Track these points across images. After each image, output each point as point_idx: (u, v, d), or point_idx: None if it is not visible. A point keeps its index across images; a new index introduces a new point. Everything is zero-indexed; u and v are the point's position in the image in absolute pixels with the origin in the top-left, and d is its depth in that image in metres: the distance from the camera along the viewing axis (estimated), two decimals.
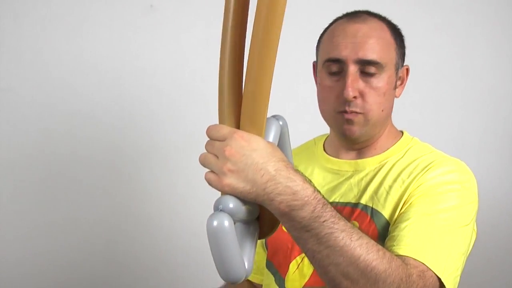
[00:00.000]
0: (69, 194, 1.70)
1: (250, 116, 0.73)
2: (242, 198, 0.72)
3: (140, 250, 1.74)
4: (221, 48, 0.76)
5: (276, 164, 0.71)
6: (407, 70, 1.06)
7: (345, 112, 0.99)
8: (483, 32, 1.83)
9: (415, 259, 0.83)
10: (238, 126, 0.75)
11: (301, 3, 1.79)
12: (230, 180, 0.70)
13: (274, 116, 0.82)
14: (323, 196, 0.75)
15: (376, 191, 0.97)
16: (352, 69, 0.98)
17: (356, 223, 0.96)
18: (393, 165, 1.00)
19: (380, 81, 0.99)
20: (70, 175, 1.70)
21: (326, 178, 1.06)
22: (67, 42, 1.68)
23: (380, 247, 0.77)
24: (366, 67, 0.98)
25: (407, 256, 0.83)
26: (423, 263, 0.83)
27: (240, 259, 0.71)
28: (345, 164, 1.05)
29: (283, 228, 1.03)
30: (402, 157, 1.01)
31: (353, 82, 0.97)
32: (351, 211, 0.98)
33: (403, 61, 1.05)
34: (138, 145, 1.73)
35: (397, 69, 1.02)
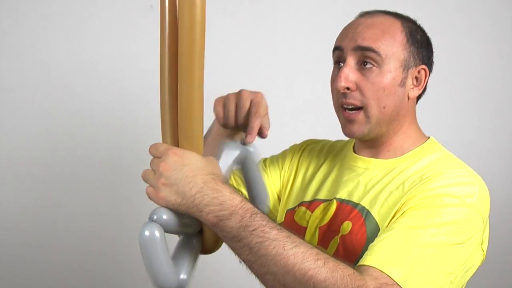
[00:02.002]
0: (69, 193, 1.70)
1: (185, 135, 0.78)
2: (176, 211, 0.77)
3: (140, 249, 1.74)
4: (160, 72, 0.80)
5: (204, 177, 0.76)
6: (425, 71, 0.99)
7: (343, 104, 0.96)
8: (483, 32, 1.83)
9: (381, 271, 0.79)
10: (177, 144, 0.80)
11: (301, 4, 1.79)
12: (164, 193, 0.77)
13: (244, 144, 0.88)
14: (254, 206, 0.77)
15: (377, 195, 0.95)
16: (350, 59, 0.95)
17: (350, 224, 0.94)
18: (402, 171, 0.96)
19: (379, 75, 0.94)
20: (70, 175, 1.70)
21: (341, 173, 1.04)
22: (67, 42, 1.68)
23: (321, 256, 0.76)
24: (365, 57, 0.94)
25: (372, 267, 0.79)
26: (389, 276, 0.78)
27: (169, 268, 0.75)
28: (359, 160, 1.02)
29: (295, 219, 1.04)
30: (413, 164, 0.96)
31: (347, 72, 0.94)
32: (350, 210, 0.97)
33: (423, 62, 0.99)
34: (138, 145, 1.73)
35: (406, 67, 0.96)
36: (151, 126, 1.74)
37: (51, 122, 1.68)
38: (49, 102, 1.68)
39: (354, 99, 0.95)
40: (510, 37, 1.85)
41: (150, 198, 0.79)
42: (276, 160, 1.16)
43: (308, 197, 1.06)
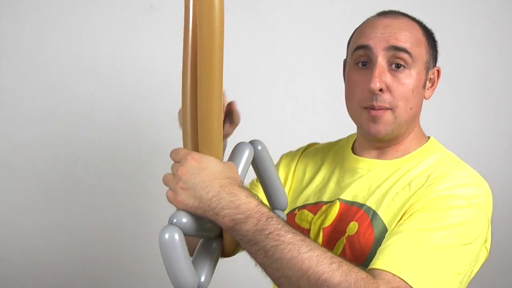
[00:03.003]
0: (69, 194, 1.70)
1: (204, 140, 0.80)
2: (194, 214, 0.79)
3: (140, 250, 1.74)
4: (182, 81, 0.82)
5: (221, 181, 0.77)
6: (438, 72, 1.02)
7: (372, 107, 0.95)
8: (483, 32, 1.83)
9: (394, 275, 0.79)
10: (198, 149, 0.82)
11: (301, 4, 1.79)
12: (182, 197, 0.78)
13: (251, 141, 0.90)
14: (270, 210, 0.78)
15: (383, 196, 0.95)
16: (381, 60, 0.94)
17: (356, 224, 0.94)
18: (407, 171, 0.97)
19: (409, 76, 0.95)
20: (70, 175, 1.70)
21: (343, 176, 1.04)
22: (67, 42, 1.68)
23: (335, 259, 0.77)
24: (396, 58, 0.94)
25: (384, 271, 0.80)
26: (402, 279, 0.79)
27: (189, 271, 0.77)
28: (362, 162, 1.02)
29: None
30: (418, 164, 0.97)
31: (381, 74, 0.94)
32: (356, 211, 0.96)
33: (435, 64, 1.02)
34: (138, 145, 1.73)
35: (427, 69, 0.98)
36: (151, 126, 1.74)
37: (51, 122, 1.68)
38: (49, 102, 1.68)
39: (384, 101, 0.95)
40: (511, 37, 1.85)
41: (169, 201, 0.81)
42: None
43: (311, 200, 1.06)
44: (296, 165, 1.14)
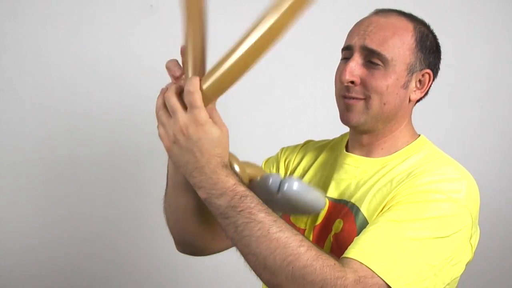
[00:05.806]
0: (69, 194, 1.71)
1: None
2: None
3: (140, 249, 1.74)
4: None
5: (209, 157, 0.79)
6: (429, 75, 1.01)
7: (346, 96, 0.98)
8: (483, 32, 1.83)
9: (362, 263, 0.80)
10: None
11: None
12: (174, 149, 0.80)
13: None
14: (246, 189, 0.81)
15: (366, 192, 0.96)
16: (357, 55, 0.96)
17: (341, 221, 0.96)
18: (391, 169, 0.97)
19: (383, 74, 0.96)
20: (70, 175, 1.70)
21: (333, 172, 1.05)
22: (67, 42, 1.68)
23: (304, 243, 0.78)
24: (372, 58, 0.96)
25: (354, 259, 0.81)
26: (369, 268, 0.80)
27: (320, 194, 0.96)
28: (351, 158, 1.03)
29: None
30: (403, 162, 0.98)
31: (353, 67, 0.96)
32: (341, 208, 0.97)
33: (428, 67, 1.00)
34: (139, 145, 1.73)
35: (410, 70, 0.98)
36: (151, 125, 1.74)
37: (51, 122, 1.68)
38: (49, 102, 1.68)
39: (357, 92, 0.97)
40: (511, 37, 1.85)
41: (160, 138, 0.82)
42: (271, 162, 1.18)
43: None
44: (294, 159, 1.16)
